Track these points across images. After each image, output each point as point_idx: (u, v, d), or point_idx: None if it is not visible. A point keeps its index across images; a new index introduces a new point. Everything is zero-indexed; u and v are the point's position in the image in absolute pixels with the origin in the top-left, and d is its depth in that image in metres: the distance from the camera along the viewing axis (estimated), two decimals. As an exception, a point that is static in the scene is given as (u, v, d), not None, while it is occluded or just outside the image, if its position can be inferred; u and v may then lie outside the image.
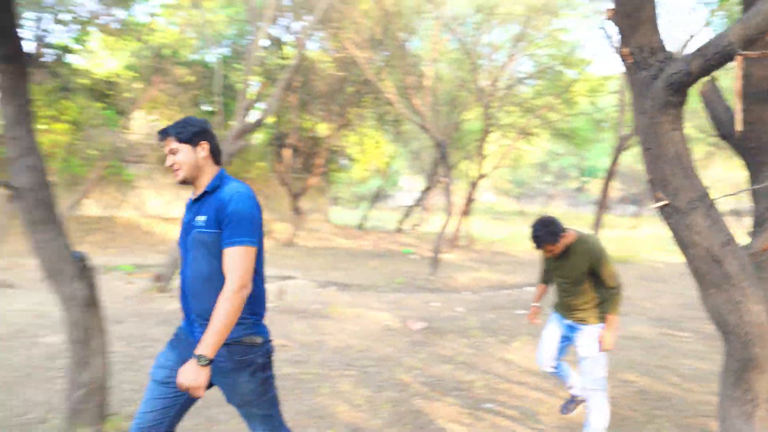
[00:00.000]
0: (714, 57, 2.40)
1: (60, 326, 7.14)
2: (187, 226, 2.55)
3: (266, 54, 10.75)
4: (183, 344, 2.55)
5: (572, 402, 4.50)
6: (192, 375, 2.24)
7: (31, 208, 3.56)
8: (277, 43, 17.61)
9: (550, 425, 4.32)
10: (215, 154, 2.60)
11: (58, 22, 17.81)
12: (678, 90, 2.55)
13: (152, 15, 19.55)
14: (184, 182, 2.54)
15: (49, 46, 18.75)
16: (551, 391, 5.07)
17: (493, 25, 16.62)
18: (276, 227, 22.17)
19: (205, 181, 2.54)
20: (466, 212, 20.58)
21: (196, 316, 2.49)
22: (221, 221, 2.40)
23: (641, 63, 2.68)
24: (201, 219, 2.46)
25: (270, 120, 19.44)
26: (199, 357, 2.23)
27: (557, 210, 44.07)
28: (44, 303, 7.81)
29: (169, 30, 19.95)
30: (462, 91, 18.96)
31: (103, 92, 18.92)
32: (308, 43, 11.68)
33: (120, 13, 17.35)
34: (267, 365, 2.55)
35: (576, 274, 3.94)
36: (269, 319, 2.91)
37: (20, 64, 3.59)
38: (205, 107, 19.98)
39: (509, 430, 4.19)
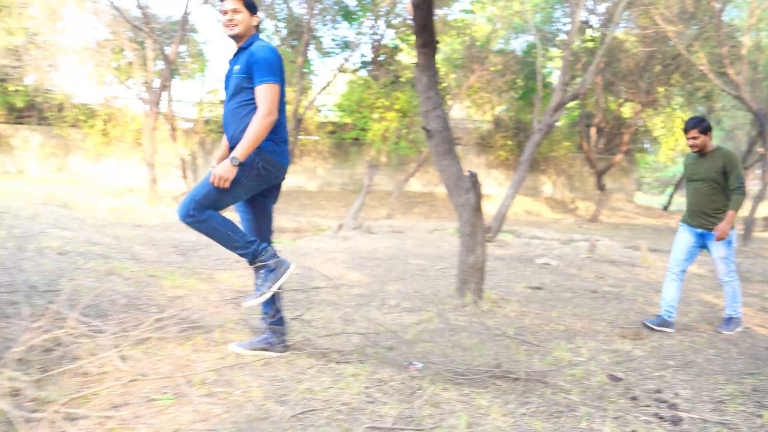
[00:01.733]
0: None
1: (418, 255, 9.21)
2: (229, 74, 3.32)
3: (571, 37, 11.74)
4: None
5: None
6: (225, 168, 3.00)
7: (438, 143, 5.29)
8: (583, 25, 18.46)
9: None
10: (257, 27, 3.38)
11: (389, 26, 20.81)
12: None
13: (467, 11, 21.76)
14: (234, 36, 3.28)
15: (382, 46, 21.94)
16: None
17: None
18: (580, 204, 23.03)
19: (243, 40, 3.29)
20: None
21: (230, 138, 3.29)
22: (250, 67, 3.15)
23: None
24: (237, 68, 3.22)
25: (573, 103, 20.34)
26: (233, 158, 3.00)
27: None
28: (398, 243, 10.02)
29: (480, 24, 21.98)
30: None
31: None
32: (615, 22, 12.39)
33: (440, 11, 19.64)
34: (248, 171, 3.13)
35: (711, 173, 4.74)
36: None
37: (432, 48, 5.32)
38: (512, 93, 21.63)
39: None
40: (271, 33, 19.04)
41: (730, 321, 4.89)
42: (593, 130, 20.85)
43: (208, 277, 5.58)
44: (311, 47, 19.14)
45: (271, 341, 3.31)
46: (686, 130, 4.85)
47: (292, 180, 20.43)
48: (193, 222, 3.11)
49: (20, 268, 4.82)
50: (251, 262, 3.22)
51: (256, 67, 3.12)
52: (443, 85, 21.60)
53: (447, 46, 21.70)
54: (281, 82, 3.19)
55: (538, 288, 6.42)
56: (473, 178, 5.25)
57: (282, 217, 15.13)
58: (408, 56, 22.99)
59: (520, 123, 22.26)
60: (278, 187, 3.46)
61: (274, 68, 3.14)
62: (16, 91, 18.39)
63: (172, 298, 4.52)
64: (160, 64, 16.97)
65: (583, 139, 20.42)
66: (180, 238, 8.70)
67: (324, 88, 16.22)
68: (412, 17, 5.22)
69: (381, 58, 22.19)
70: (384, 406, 2.67)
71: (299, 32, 18.23)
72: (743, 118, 24.38)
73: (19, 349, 2.58)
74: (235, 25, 3.23)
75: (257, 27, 3.36)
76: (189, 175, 18.26)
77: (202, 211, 3.10)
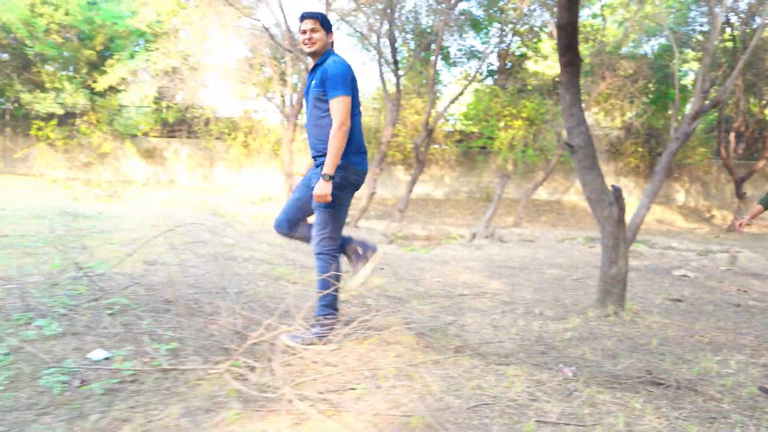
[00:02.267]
0: None
1: (552, 264, 9.33)
2: (308, 88, 3.67)
3: (711, 38, 11.38)
4: (310, 171, 3.79)
5: None
6: (321, 187, 3.41)
7: (582, 158, 5.50)
8: (723, 24, 17.71)
9: None
10: (332, 43, 3.72)
11: (516, 33, 20.85)
12: None
13: (595, 16, 21.41)
14: (312, 53, 3.63)
15: (509, 54, 22.04)
16: None
17: None
18: (716, 213, 22.03)
19: (319, 56, 3.64)
20: None
21: (312, 147, 3.66)
22: (324, 82, 3.49)
23: None
24: (314, 83, 3.57)
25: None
26: (324, 175, 3.40)
27: None
28: (530, 252, 10.19)
29: (610, 28, 21.55)
30: None
31: (554, 90, 21.25)
32: (763, 21, 11.90)
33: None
34: (341, 186, 3.54)
35: None
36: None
37: (576, 66, 5.53)
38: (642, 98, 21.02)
39: None
40: (399, 45, 19.65)
41: None
42: (732, 135, 19.91)
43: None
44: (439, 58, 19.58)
45: (320, 334, 3.58)
46: None
47: (420, 188, 20.95)
48: (324, 257, 3.62)
49: (206, 274, 5.50)
50: (318, 318, 3.63)
51: (329, 82, 3.45)
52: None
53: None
54: (353, 93, 3.52)
55: (678, 300, 6.44)
56: (617, 193, 5.42)
57: (412, 225, 15.63)
58: (535, 64, 22.97)
59: (651, 129, 21.64)
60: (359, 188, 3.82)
61: (345, 82, 3.45)
62: (169, 107, 20.10)
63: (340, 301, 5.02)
64: (296, 78, 17.99)
65: (722, 144, 19.56)
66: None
67: (455, 99, 16.58)
68: (556, 38, 5.47)
69: (508, 66, 22.31)
70: (546, 404, 2.97)
71: (427, 44, 18.71)
72: None
73: (247, 344, 3.10)
74: (314, 43, 3.59)
75: (332, 44, 3.71)
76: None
77: (334, 244, 3.62)
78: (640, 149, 21.50)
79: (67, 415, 2.49)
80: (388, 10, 14.07)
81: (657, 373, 3.70)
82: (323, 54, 3.64)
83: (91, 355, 3.15)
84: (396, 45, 16.66)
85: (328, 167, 3.40)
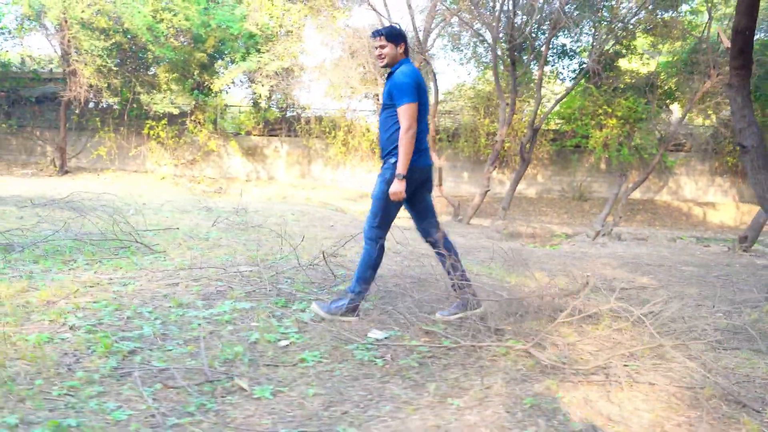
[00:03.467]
0: None
1: (681, 261, 9.41)
2: (384, 92, 3.95)
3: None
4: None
5: None
6: (396, 186, 3.74)
7: (755, 158, 5.71)
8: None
9: None
10: (406, 52, 3.99)
11: (610, 31, 20.73)
12: None
13: (694, 11, 21.12)
14: (386, 66, 3.98)
15: (603, 53, 21.93)
16: None
17: None
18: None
19: (391, 67, 3.96)
20: None
21: (381, 149, 3.97)
22: (392, 91, 3.82)
23: None
24: (384, 90, 3.92)
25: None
26: (398, 174, 3.72)
27: None
28: (653, 250, 10.36)
29: (707, 24, 21.22)
30: None
31: (649, 89, 21.05)
32: None
33: (664, 14, 19.29)
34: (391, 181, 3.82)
35: None
36: None
37: (748, 69, 5.75)
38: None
39: None
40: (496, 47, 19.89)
41: None
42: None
43: (519, 274, 6.44)
44: (533, 59, 19.71)
45: (346, 307, 3.88)
46: None
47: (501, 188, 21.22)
48: (372, 242, 3.95)
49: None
50: (350, 297, 3.91)
51: (395, 91, 3.79)
52: (664, 89, 21.26)
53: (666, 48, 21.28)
54: (419, 98, 3.81)
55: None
56: (793, 192, 5.62)
57: (516, 222, 15.91)
58: (628, 62, 22.78)
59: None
60: (428, 179, 4.10)
61: (410, 90, 3.76)
62: (269, 107, 20.93)
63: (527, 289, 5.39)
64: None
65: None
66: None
67: (561, 98, 16.73)
68: (731, 41, 5.70)
69: (601, 65, 22.21)
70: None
71: (522, 46, 18.88)
72: None
73: (555, 323, 3.51)
74: (383, 58, 3.96)
75: (405, 52, 4.01)
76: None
77: (381, 233, 3.97)
78: (737, 148, 21.04)
79: (404, 383, 2.94)
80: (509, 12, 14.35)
81: None
82: (395, 64, 3.98)
83: (371, 334, 3.61)
84: (514, 48, 16.89)
85: (401, 167, 3.74)
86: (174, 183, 19.97)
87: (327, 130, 20.91)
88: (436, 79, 17.99)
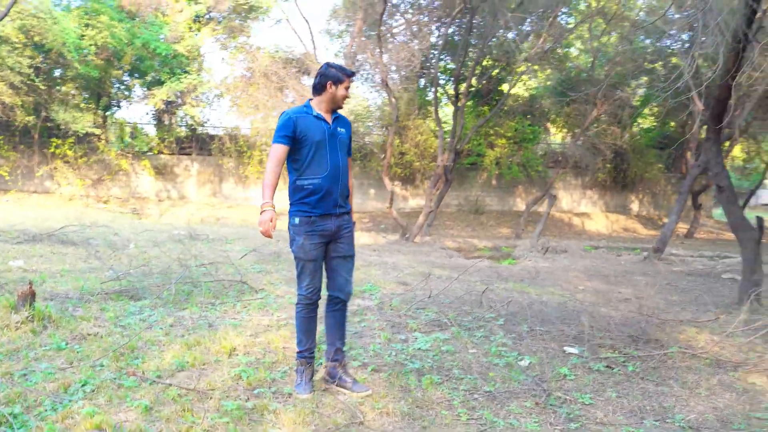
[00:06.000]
0: None
1: (629, 272, 11.17)
2: (342, 137, 3.78)
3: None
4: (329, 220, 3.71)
5: None
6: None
7: (728, 195, 7.43)
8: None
9: None
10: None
11: (495, 60, 22.94)
12: None
13: (567, 45, 23.86)
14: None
15: (489, 78, 24.12)
16: None
17: None
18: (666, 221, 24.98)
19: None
20: None
21: (339, 194, 3.71)
22: (351, 134, 3.88)
23: None
24: (342, 130, 3.79)
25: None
26: (353, 222, 3.84)
27: None
28: (591, 263, 12.20)
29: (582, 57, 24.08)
30: None
31: (530, 111, 23.52)
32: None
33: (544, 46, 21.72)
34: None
35: None
36: None
37: (721, 128, 7.47)
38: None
39: None
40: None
41: None
42: (689, 154, 22.84)
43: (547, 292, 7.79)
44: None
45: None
46: None
47: (414, 202, 22.77)
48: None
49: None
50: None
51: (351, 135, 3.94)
52: (543, 111, 23.84)
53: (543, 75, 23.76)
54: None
55: None
56: (760, 222, 7.40)
57: (442, 237, 17.40)
58: (513, 87, 25.22)
59: (617, 148, 24.28)
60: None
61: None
62: (176, 126, 21.04)
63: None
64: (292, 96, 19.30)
65: (682, 161, 22.37)
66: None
67: (482, 125, 18.42)
68: (712, 106, 7.40)
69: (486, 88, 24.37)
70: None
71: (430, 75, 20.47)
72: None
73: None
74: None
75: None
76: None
77: None
78: (608, 165, 24.02)
79: (639, 388, 4.11)
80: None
81: None
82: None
83: (567, 349, 4.70)
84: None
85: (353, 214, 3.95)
86: (84, 204, 19.45)
87: (242, 149, 21.28)
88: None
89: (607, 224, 23.97)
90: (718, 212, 30.50)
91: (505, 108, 23.16)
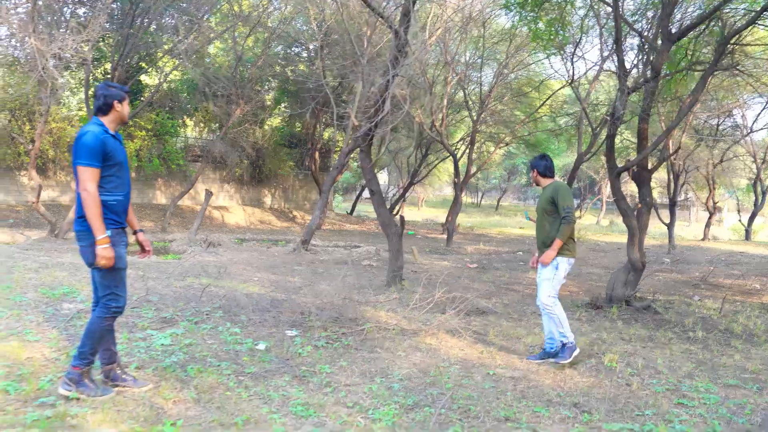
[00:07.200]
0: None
1: (287, 263, 12.45)
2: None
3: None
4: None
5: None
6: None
7: (378, 198, 9.13)
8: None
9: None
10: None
11: (136, 51, 22.63)
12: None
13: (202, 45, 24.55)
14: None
15: (130, 68, 23.57)
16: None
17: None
18: (296, 213, 27.49)
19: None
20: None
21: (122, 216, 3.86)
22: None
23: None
24: (121, 153, 4.08)
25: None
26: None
27: (506, 202, 50.98)
28: (249, 256, 13.25)
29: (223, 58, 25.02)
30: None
31: (167, 104, 23.76)
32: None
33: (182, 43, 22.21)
34: None
35: (541, 204, 5.26)
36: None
37: (370, 145, 9.12)
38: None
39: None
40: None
41: (564, 348, 5.12)
42: (317, 154, 25.57)
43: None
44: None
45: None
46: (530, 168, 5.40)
47: (46, 194, 21.13)
48: None
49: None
50: None
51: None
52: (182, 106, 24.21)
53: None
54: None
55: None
56: (402, 219, 9.23)
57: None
58: (150, 78, 24.94)
59: (257, 145, 25.82)
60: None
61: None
62: None
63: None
64: None
65: (311, 161, 24.92)
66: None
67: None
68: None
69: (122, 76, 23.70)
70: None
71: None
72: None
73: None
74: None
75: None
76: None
77: None
78: (245, 162, 25.42)
79: (359, 356, 5.17)
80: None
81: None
82: None
83: (288, 332, 5.56)
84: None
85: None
86: None
87: None
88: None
89: (245, 217, 25.38)
90: (337, 204, 34.63)
91: (142, 99, 22.91)
